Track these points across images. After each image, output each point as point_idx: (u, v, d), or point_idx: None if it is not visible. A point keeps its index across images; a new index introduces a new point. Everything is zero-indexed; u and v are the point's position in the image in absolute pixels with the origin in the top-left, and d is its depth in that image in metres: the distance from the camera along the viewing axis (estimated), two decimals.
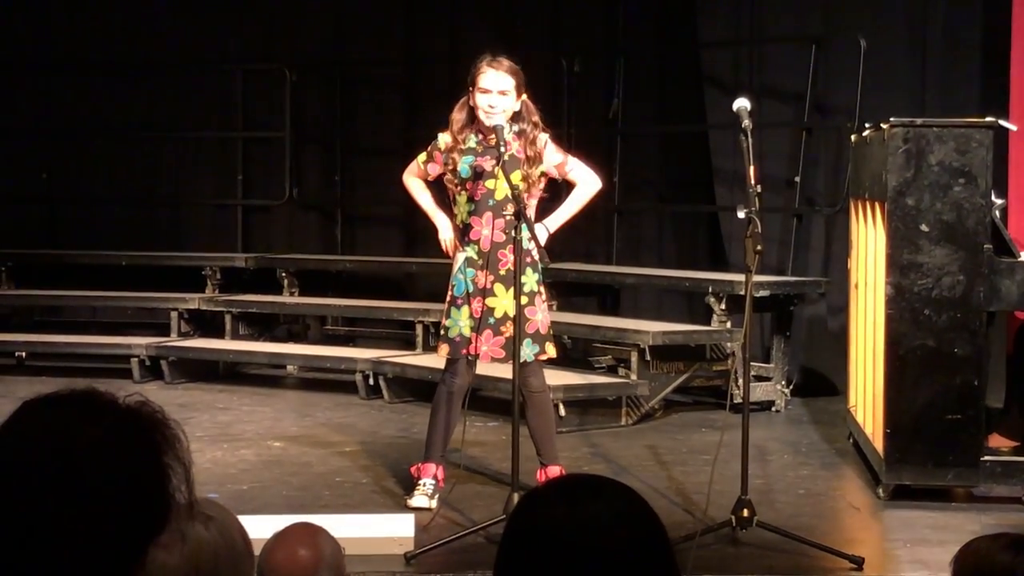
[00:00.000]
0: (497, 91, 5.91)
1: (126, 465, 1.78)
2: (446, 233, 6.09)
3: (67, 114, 11.42)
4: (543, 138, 6.01)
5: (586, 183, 6.15)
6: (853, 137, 7.93)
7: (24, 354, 10.16)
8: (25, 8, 11.41)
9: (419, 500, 6.05)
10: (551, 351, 6.08)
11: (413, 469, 6.19)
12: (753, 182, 5.50)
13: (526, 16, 10.85)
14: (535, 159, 5.98)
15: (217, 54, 11.33)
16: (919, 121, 6.29)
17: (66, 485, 1.74)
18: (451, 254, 6.09)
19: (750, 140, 5.58)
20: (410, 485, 6.17)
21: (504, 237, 5.92)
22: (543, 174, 6.04)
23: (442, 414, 6.09)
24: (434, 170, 6.13)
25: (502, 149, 5.76)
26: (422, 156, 6.16)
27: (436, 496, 6.07)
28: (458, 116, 6.05)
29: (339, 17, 11.18)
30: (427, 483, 6.07)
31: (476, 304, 5.98)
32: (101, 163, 11.51)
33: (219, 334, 10.14)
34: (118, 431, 1.79)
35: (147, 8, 11.31)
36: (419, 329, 9.45)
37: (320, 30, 11.28)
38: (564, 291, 9.52)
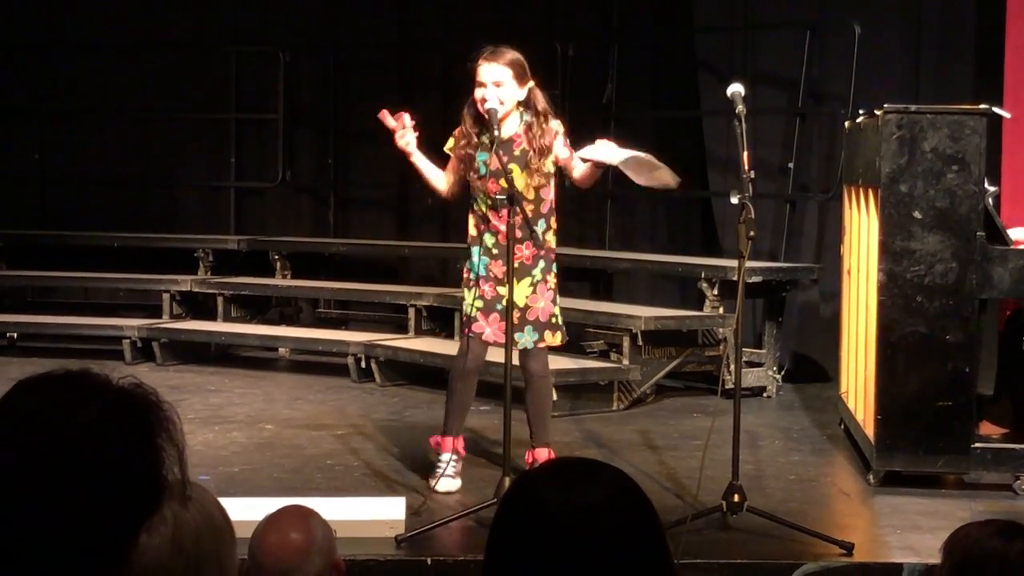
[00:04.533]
0: (491, 82, 5.91)
1: (120, 446, 1.78)
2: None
3: (60, 95, 11.38)
4: (554, 128, 5.96)
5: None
6: (847, 123, 7.93)
7: (16, 335, 10.15)
8: None
9: (445, 483, 6.02)
10: (552, 339, 6.08)
11: (433, 441, 6.20)
12: (747, 168, 5.49)
13: (520, 0, 10.83)
14: (544, 150, 5.93)
15: (211, 35, 11.30)
16: (913, 108, 6.29)
17: (60, 466, 1.74)
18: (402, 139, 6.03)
19: (744, 126, 5.57)
20: (401, 469, 6.17)
21: (520, 233, 5.89)
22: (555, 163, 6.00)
23: (455, 388, 6.14)
24: (452, 173, 6.12)
25: (495, 132, 5.79)
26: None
27: (458, 473, 6.10)
28: (468, 112, 6.03)
29: None
30: (448, 460, 6.06)
31: (487, 287, 6.02)
32: (94, 144, 11.48)
33: (211, 316, 10.13)
34: (112, 412, 1.79)
35: None
36: (411, 313, 9.44)
37: (314, 12, 11.25)
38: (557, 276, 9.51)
